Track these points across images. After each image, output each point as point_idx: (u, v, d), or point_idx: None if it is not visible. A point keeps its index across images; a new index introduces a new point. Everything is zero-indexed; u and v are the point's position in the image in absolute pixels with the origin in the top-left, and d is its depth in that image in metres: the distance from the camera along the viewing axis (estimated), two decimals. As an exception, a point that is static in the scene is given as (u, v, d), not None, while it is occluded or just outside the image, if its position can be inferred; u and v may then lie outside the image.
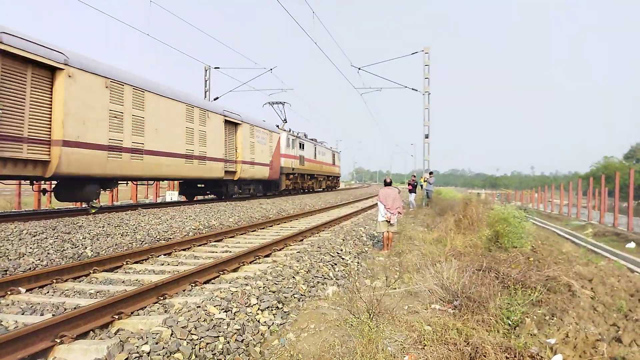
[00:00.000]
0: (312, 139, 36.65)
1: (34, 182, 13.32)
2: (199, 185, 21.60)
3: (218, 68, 28.73)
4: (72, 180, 12.99)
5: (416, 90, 25.85)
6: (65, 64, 11.86)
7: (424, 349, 4.30)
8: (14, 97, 10.75)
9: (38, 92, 11.39)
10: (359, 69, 25.38)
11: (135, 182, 18.45)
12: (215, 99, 27.82)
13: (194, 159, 17.98)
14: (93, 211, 13.63)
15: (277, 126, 29.42)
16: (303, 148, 33.67)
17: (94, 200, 13.83)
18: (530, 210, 24.25)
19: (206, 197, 23.59)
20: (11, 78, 10.64)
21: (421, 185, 26.56)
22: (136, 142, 14.60)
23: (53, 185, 13.92)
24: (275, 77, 75.92)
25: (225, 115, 20.60)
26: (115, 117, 13.69)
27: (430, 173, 27.31)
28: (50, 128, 11.63)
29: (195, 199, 22.48)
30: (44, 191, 13.96)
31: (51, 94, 11.74)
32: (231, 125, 21.61)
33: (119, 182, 15.89)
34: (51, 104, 11.71)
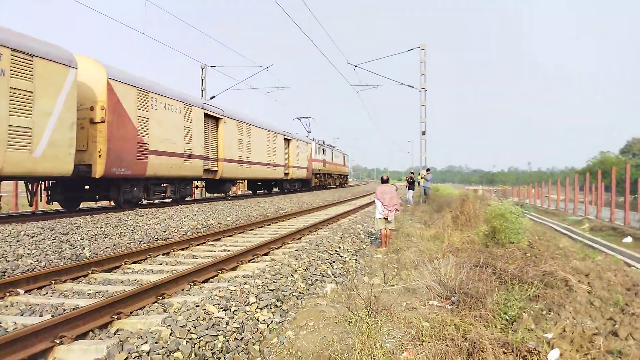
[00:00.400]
0: (328, 145, 45.04)
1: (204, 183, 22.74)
2: (272, 184, 31.24)
3: (214, 67, 28.69)
4: (224, 180, 21.98)
5: (412, 87, 25.89)
6: (223, 116, 20.85)
7: (422, 345, 4.33)
8: (208, 134, 19.70)
9: (212, 132, 20.36)
10: (355, 66, 25.39)
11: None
12: (211, 98, 27.79)
13: (275, 166, 27.99)
14: (229, 198, 23.77)
15: (308, 137, 38.73)
16: (325, 153, 41.97)
17: (229, 192, 24.15)
18: (527, 205, 24.31)
19: (269, 190, 32.14)
20: (207, 125, 19.74)
21: (418, 182, 26.60)
22: (248, 157, 23.64)
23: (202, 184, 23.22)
24: (272, 75, 75.88)
25: (285, 135, 30.40)
26: (241, 142, 22.92)
27: (428, 170, 27.34)
28: (217, 152, 20.67)
29: (263, 191, 30.98)
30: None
31: (217, 133, 20.70)
32: (286, 141, 31.14)
33: (238, 182, 26.76)
34: (217, 138, 20.73)
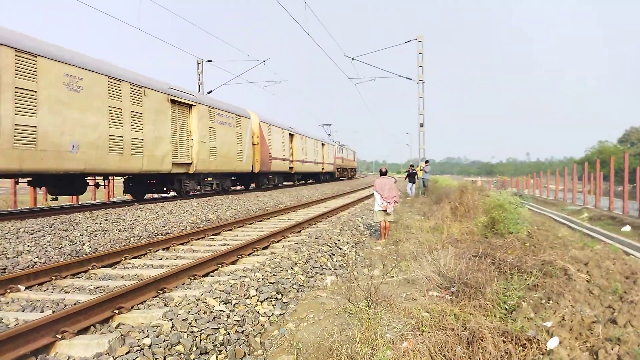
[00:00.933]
0: (343, 145, 54.07)
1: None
2: (321, 177, 43.64)
3: (211, 61, 28.60)
4: (297, 173, 33.72)
5: (410, 79, 25.83)
6: (296, 133, 32.70)
7: (422, 335, 4.36)
8: (291, 146, 31.52)
9: (290, 143, 31.48)
10: (353, 59, 25.31)
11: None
12: (209, 92, 27.72)
13: (316, 163, 38.97)
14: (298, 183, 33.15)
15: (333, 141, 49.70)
16: (342, 152, 53.12)
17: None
18: (526, 196, 24.36)
19: (316, 180, 43.44)
20: (289, 139, 31.52)
21: (416, 174, 26.56)
22: (305, 158, 33.48)
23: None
24: (269, 69, 75.78)
25: (321, 141, 41.62)
26: (303, 149, 33.87)
27: (426, 162, 27.31)
28: (292, 155, 31.45)
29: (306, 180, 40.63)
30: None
31: (292, 144, 31.53)
32: (322, 145, 41.86)
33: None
34: (292, 148, 31.71)
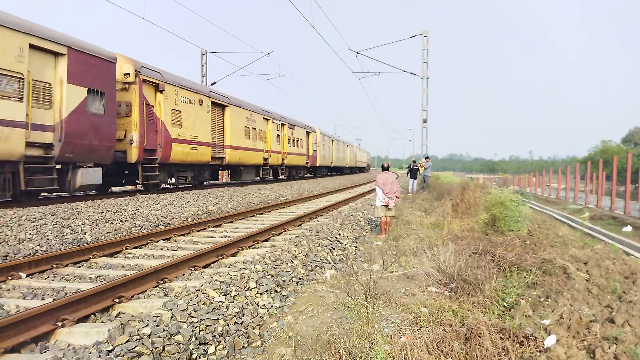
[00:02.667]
0: (362, 148, 75.24)
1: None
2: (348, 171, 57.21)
3: (215, 52, 28.55)
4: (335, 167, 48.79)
5: (415, 74, 25.75)
6: (332, 137, 47.16)
7: (420, 330, 4.37)
8: (327, 147, 43.63)
9: (330, 145, 46.05)
10: (357, 53, 25.26)
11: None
12: (212, 84, 27.68)
13: (344, 160, 52.37)
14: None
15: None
16: (362, 152, 72.39)
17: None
18: (528, 194, 24.34)
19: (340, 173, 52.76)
20: (327, 140, 43.59)
21: (417, 170, 26.49)
22: (339, 157, 47.90)
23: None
24: (273, 62, 75.65)
25: (351, 143, 57.65)
26: (338, 151, 48.73)
27: (427, 158, 27.19)
28: (332, 158, 45.78)
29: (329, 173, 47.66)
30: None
31: (332, 146, 45.54)
32: (350, 147, 54.77)
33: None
34: (332, 151, 45.41)
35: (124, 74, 14.61)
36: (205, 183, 22.52)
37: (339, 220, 11.72)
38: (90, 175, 12.87)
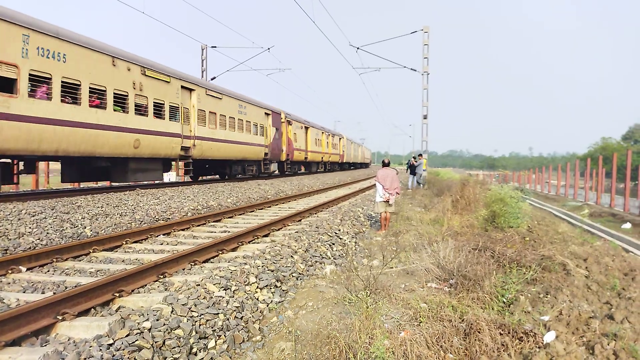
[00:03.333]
0: (365, 146, 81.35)
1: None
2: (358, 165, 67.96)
3: (215, 47, 28.47)
4: (347, 163, 58.54)
5: (415, 70, 25.71)
6: (353, 141, 63.08)
7: (419, 325, 4.39)
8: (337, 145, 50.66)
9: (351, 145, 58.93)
10: (358, 48, 25.19)
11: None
12: (212, 79, 27.63)
13: (356, 157, 64.77)
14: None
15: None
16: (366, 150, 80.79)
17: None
18: (527, 191, 24.32)
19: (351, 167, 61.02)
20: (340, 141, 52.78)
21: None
22: (352, 154, 60.50)
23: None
24: (273, 57, 75.58)
25: (360, 144, 72.25)
26: (355, 150, 62.29)
27: (419, 155, 27.02)
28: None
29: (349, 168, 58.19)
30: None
31: (340, 145, 51.23)
32: (358, 145, 66.75)
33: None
34: (341, 148, 52.28)
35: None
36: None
37: (338, 215, 11.73)
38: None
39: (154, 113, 15.71)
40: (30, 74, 10.95)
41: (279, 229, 9.85)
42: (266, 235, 9.19)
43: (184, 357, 3.84)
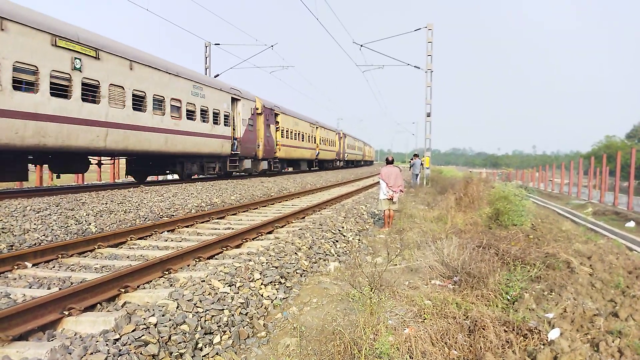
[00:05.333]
0: (369, 144, 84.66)
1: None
2: (362, 163, 74.99)
3: (218, 44, 28.48)
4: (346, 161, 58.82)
5: (418, 67, 25.65)
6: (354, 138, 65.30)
7: (424, 322, 4.40)
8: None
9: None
10: (361, 45, 25.14)
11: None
12: (216, 76, 27.65)
13: (362, 155, 71.62)
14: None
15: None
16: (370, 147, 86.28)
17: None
18: (531, 189, 24.26)
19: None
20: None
21: (422, 164, 26.48)
22: (350, 152, 58.44)
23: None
24: (277, 54, 75.53)
25: (367, 143, 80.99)
26: (360, 149, 69.94)
27: (415, 155, 26.94)
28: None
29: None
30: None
31: (341, 143, 53.10)
32: (367, 145, 79.70)
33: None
34: (340, 145, 54.53)
35: (367, 145, 78.44)
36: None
37: (342, 213, 11.74)
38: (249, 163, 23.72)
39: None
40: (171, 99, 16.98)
41: (282, 226, 9.87)
42: (270, 232, 9.21)
43: (189, 352, 3.86)
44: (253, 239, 8.44)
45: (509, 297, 5.07)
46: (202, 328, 4.18)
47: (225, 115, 21.03)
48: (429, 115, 24.85)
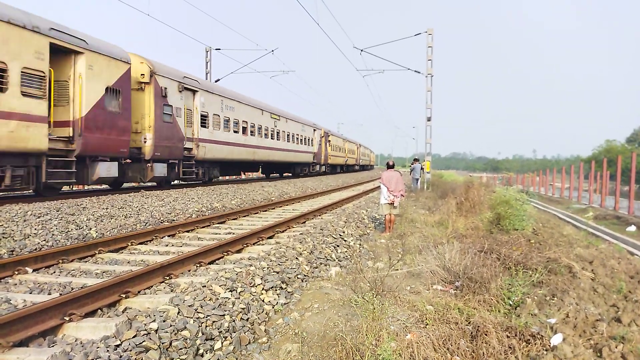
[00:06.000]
0: (370, 149, 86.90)
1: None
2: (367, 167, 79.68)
3: (219, 49, 28.54)
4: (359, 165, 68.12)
5: (419, 72, 25.70)
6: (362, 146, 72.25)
7: (426, 327, 4.38)
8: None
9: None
10: (362, 50, 25.21)
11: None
12: (216, 81, 27.69)
13: (361, 159, 68.78)
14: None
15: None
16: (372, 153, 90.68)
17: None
18: (532, 193, 24.26)
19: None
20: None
21: (422, 169, 26.48)
22: (345, 155, 55.76)
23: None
24: (277, 59, 75.85)
25: (370, 148, 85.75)
26: (356, 153, 66.73)
27: (416, 159, 26.95)
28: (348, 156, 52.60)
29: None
30: None
31: (342, 146, 53.62)
32: (368, 150, 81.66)
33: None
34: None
35: (370, 151, 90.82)
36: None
37: (343, 217, 11.73)
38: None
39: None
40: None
41: (283, 231, 9.85)
42: (271, 237, 9.19)
43: (190, 358, 3.84)
44: (254, 244, 8.42)
45: (511, 302, 5.06)
46: (203, 334, 4.16)
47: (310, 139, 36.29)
48: (429, 119, 24.87)
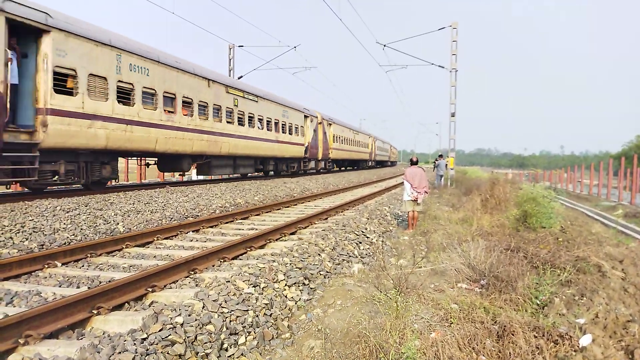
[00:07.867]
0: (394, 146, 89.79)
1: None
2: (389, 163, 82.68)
3: (242, 46, 28.70)
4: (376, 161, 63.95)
5: (443, 67, 25.36)
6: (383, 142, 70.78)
7: (450, 326, 4.33)
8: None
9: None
10: (385, 45, 24.98)
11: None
12: (239, 78, 27.88)
13: (369, 155, 53.88)
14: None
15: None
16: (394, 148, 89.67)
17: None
18: (559, 190, 23.70)
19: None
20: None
21: (446, 165, 26.19)
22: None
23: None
24: (300, 55, 75.72)
25: (390, 143, 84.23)
26: (387, 149, 74.88)
27: (440, 156, 26.70)
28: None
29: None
30: None
31: (372, 145, 55.87)
32: (392, 146, 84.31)
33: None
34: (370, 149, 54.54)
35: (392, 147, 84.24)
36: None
37: (365, 214, 11.68)
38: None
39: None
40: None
41: (305, 227, 9.87)
42: (293, 233, 9.22)
43: (215, 353, 3.88)
44: (276, 240, 8.46)
45: (538, 302, 4.95)
46: (227, 328, 4.20)
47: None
48: (453, 115, 24.54)
